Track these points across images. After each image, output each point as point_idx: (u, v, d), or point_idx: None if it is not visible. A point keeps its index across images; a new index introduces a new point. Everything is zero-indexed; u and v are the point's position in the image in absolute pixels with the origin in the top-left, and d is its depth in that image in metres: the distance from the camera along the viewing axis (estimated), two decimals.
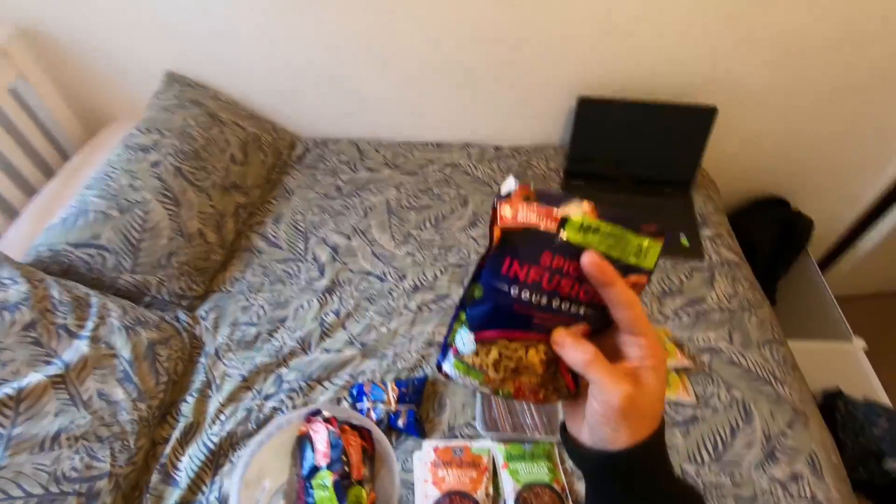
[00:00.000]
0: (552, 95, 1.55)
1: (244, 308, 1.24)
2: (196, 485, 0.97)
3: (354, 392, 1.08)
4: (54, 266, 1.14)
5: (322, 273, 1.32)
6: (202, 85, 1.55)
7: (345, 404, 1.09)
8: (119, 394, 0.99)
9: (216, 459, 1.00)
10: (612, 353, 0.35)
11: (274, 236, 1.40)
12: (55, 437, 0.90)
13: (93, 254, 1.14)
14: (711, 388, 1.10)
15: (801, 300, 1.79)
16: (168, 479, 0.98)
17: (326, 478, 0.45)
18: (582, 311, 0.35)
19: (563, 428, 0.39)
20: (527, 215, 0.34)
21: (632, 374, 0.34)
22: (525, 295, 0.34)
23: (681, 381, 1.10)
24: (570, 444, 0.38)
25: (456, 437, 1.04)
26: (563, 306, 0.35)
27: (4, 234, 1.29)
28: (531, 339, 0.36)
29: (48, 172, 1.48)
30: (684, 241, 1.39)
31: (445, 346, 0.38)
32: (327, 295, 1.27)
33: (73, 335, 1.02)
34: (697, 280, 1.31)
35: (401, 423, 1.02)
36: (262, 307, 1.24)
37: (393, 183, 1.53)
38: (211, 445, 1.01)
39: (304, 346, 1.17)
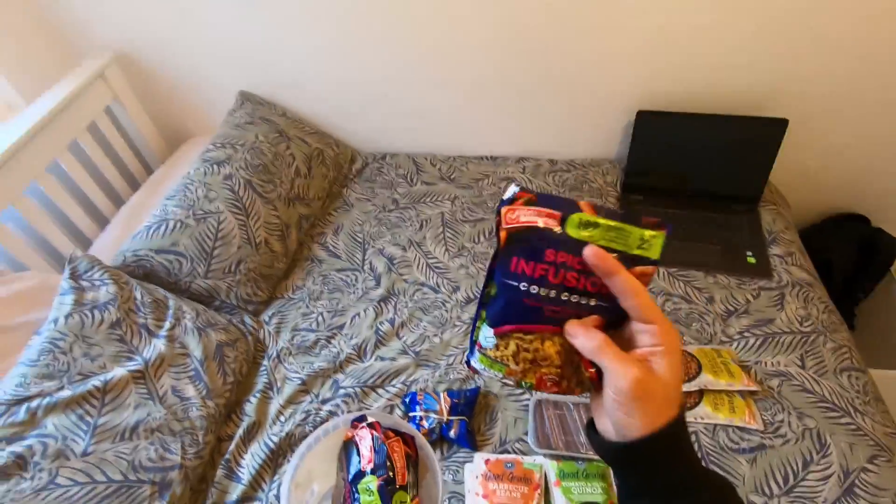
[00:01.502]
0: (610, 109, 1.53)
1: (304, 315, 1.30)
2: (257, 482, 1.01)
3: (407, 400, 1.10)
4: (138, 270, 1.24)
5: (378, 283, 1.35)
6: (271, 103, 1.65)
7: (398, 412, 1.11)
8: (190, 391, 1.06)
9: (276, 458, 1.05)
10: (628, 344, 0.36)
11: (334, 246, 1.46)
12: (134, 428, 0.97)
13: (171, 259, 1.23)
14: (781, 416, 1.04)
15: (886, 326, 1.65)
16: (231, 474, 1.03)
17: (372, 482, 0.46)
18: (592, 302, 0.37)
19: (591, 424, 0.40)
20: (529, 217, 0.37)
21: (643, 359, 0.34)
22: (534, 289, 0.37)
23: (747, 406, 1.04)
24: (596, 438, 0.39)
25: (507, 451, 1.03)
26: (571, 298, 0.37)
27: (96, 240, 1.42)
28: (545, 332, 0.38)
29: (134, 184, 1.61)
30: (751, 258, 1.33)
31: (472, 344, 0.41)
32: (383, 304, 1.30)
33: (152, 334, 1.10)
34: (765, 300, 1.24)
35: (452, 433, 1.03)
36: (322, 314, 1.29)
37: (448, 196, 1.56)
38: (271, 445, 1.06)
39: (360, 353, 1.21)
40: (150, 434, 0.98)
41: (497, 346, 0.39)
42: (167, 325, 1.12)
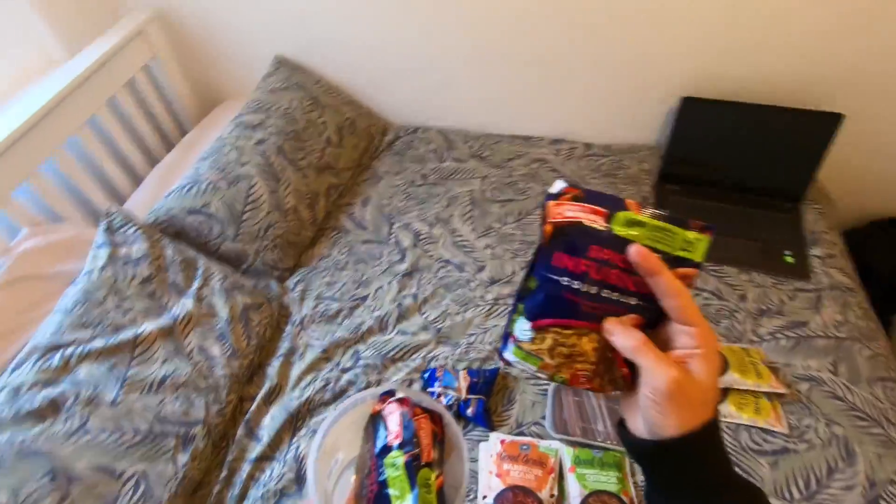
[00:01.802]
0: (653, 93, 1.48)
1: (329, 284, 1.31)
2: (276, 443, 1.04)
3: (426, 376, 1.10)
4: (169, 229, 1.25)
5: (403, 257, 1.35)
6: (307, 69, 1.64)
7: (416, 387, 1.12)
8: (216, 350, 1.08)
9: (295, 422, 1.07)
10: (666, 345, 0.36)
11: (361, 218, 1.45)
12: (161, 382, 1.00)
13: (202, 220, 1.25)
14: (808, 421, 1.01)
15: None
16: (251, 434, 1.06)
17: (398, 458, 0.46)
18: (633, 301, 0.37)
19: (621, 423, 0.40)
20: (575, 213, 0.37)
21: (681, 361, 0.34)
22: (575, 284, 0.37)
23: (773, 408, 1.02)
24: (627, 437, 0.38)
25: (523, 433, 1.03)
26: (612, 296, 0.37)
27: (129, 197, 1.44)
28: (583, 328, 0.38)
29: (168, 144, 1.63)
30: (788, 258, 1.28)
31: (506, 336, 0.41)
32: (407, 279, 1.30)
33: (181, 292, 1.12)
34: (801, 302, 1.20)
35: (470, 412, 1.03)
36: (346, 284, 1.30)
37: (478, 175, 1.54)
38: (291, 409, 1.08)
39: (382, 326, 1.21)
40: (176, 389, 1.01)
41: (533, 340, 0.39)
42: (196, 284, 1.14)
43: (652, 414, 0.34)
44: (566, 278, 0.37)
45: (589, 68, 1.47)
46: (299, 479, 1.00)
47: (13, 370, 0.94)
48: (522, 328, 0.40)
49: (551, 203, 0.38)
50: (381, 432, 0.48)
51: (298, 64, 1.63)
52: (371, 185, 1.54)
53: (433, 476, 0.47)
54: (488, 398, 1.06)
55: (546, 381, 1.10)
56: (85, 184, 1.35)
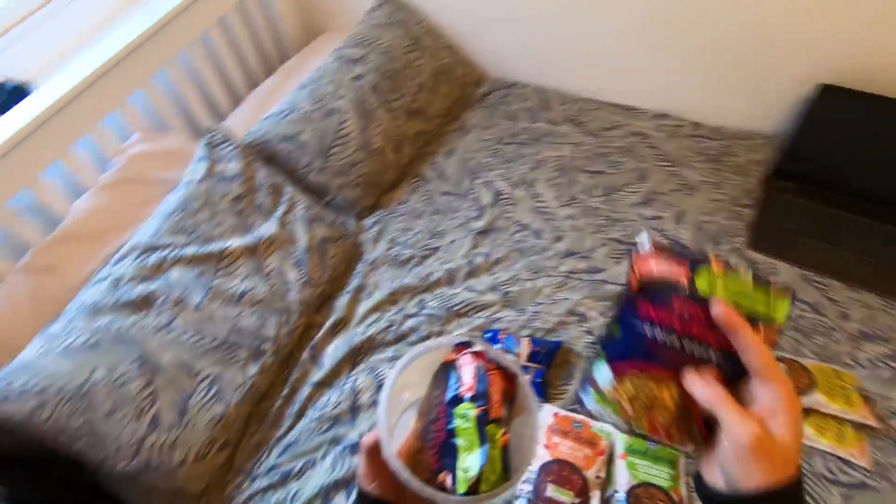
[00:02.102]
0: (784, 76, 1.32)
1: (404, 229, 1.31)
2: (336, 372, 1.08)
3: (487, 337, 1.10)
4: (262, 152, 1.29)
5: (481, 215, 1.33)
6: (411, 8, 1.59)
7: None
8: (292, 275, 1.13)
9: (355, 356, 1.11)
10: (746, 403, 0.36)
11: (444, 169, 1.43)
12: (241, 297, 1.06)
13: (293, 148, 1.28)
14: None
15: None
16: (315, 359, 1.11)
17: (470, 410, 0.46)
18: (713, 356, 0.37)
19: (698, 476, 0.40)
20: (660, 266, 0.38)
21: (762, 417, 0.34)
22: (658, 335, 0.38)
23: (858, 439, 0.93)
24: (703, 488, 0.38)
25: (577, 411, 1.01)
26: (694, 350, 0.38)
27: (228, 116, 1.50)
28: (663, 377, 0.39)
29: (269, 69, 1.66)
30: None
31: (585, 379, 0.42)
32: (481, 237, 1.28)
33: (267, 215, 1.17)
34: None
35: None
36: (420, 233, 1.30)
37: (571, 140, 1.46)
38: (354, 343, 1.11)
39: (450, 279, 1.21)
40: (253, 305, 1.06)
41: (614, 386, 0.40)
42: (281, 209, 1.18)
43: (733, 467, 0.35)
44: (649, 328, 0.38)
45: (715, 39, 1.33)
46: (353, 409, 1.04)
47: (116, 262, 1.02)
48: (603, 374, 0.41)
49: (637, 255, 0.40)
50: (454, 382, 0.48)
51: (403, 1, 1.59)
52: (458, 136, 1.51)
53: (499, 433, 0.46)
54: (548, 370, 1.05)
55: None
56: (191, 98, 1.41)
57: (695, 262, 0.38)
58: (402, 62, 1.43)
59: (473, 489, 0.42)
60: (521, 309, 1.15)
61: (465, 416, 0.45)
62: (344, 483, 0.95)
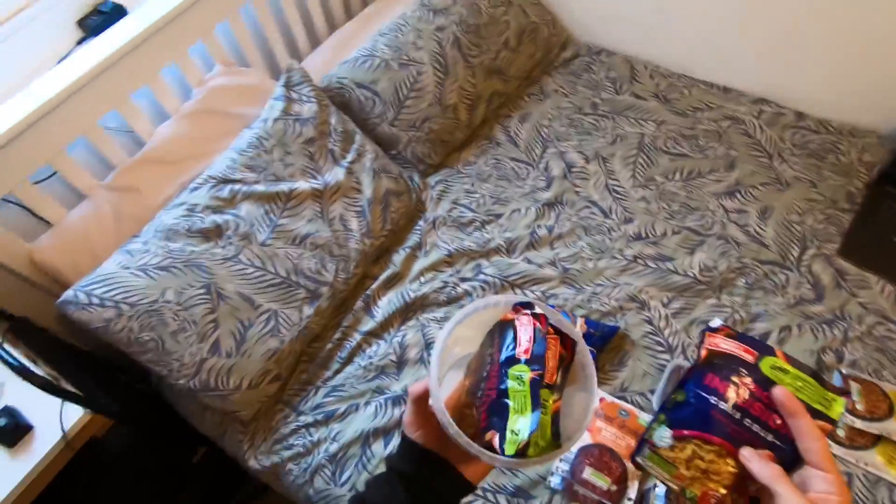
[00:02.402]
0: None
1: (468, 192, 1.29)
2: (387, 324, 1.10)
3: None
4: (337, 97, 1.29)
5: (549, 186, 1.28)
6: None
7: None
8: (354, 224, 1.14)
9: (407, 311, 1.12)
10: (799, 487, 0.37)
11: (516, 133, 1.38)
12: (303, 239, 1.08)
13: (368, 96, 1.26)
14: None
15: None
16: (367, 309, 1.12)
17: (525, 372, 0.44)
18: (770, 438, 0.39)
19: None
20: (729, 346, 0.43)
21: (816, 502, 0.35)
22: (721, 405, 0.41)
23: None
24: None
25: (625, 399, 0.99)
26: (753, 427, 0.40)
27: (306, 57, 1.49)
28: (723, 448, 0.40)
29: (349, 13, 1.63)
30: None
31: (642, 442, 0.44)
32: (547, 209, 1.24)
33: (336, 161, 1.17)
34: None
35: None
36: (484, 197, 1.27)
37: (656, 118, 1.37)
38: (407, 298, 1.12)
39: (510, 248, 1.19)
40: (315, 249, 1.08)
41: (672, 448, 0.42)
42: (350, 157, 1.18)
43: None
44: (715, 398, 0.41)
45: (835, 18, 1.18)
46: (399, 363, 1.06)
47: (192, 190, 1.06)
48: (662, 435, 0.42)
49: (709, 334, 0.44)
50: (510, 342, 0.46)
51: None
52: (535, 101, 1.44)
53: (552, 399, 0.44)
54: (600, 353, 1.02)
55: (665, 356, 1.02)
56: (272, 36, 1.41)
57: (761, 350, 0.42)
58: (487, 17, 1.36)
59: (521, 452, 0.41)
60: (580, 288, 1.12)
61: (520, 379, 0.44)
62: (384, 431, 0.98)
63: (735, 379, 0.41)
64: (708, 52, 1.40)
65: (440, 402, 0.43)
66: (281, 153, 1.12)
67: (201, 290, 0.97)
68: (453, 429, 0.42)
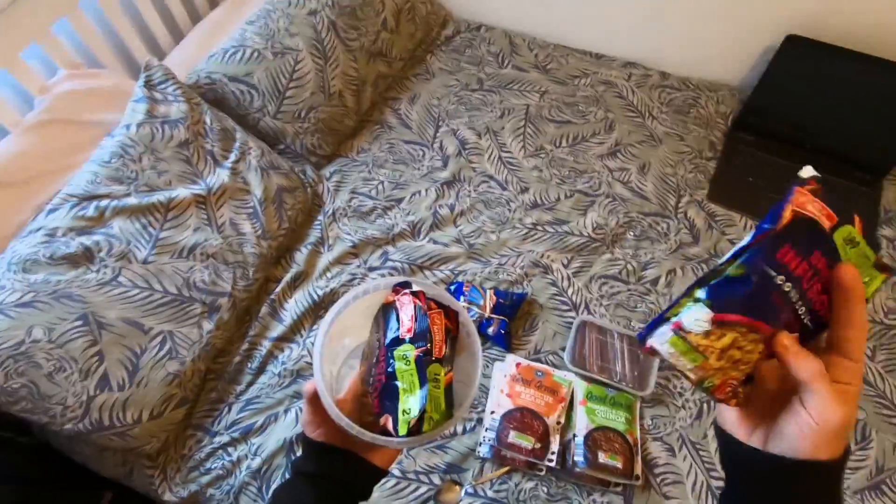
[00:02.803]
0: (751, 27, 1.31)
1: (365, 179, 1.26)
2: (297, 326, 1.06)
3: (452, 289, 1.09)
4: (209, 94, 1.19)
5: (445, 165, 1.29)
6: None
7: None
8: (247, 227, 1.07)
9: (317, 310, 1.08)
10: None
11: (407, 115, 1.37)
12: (192, 249, 1.00)
13: (244, 90, 1.18)
14: None
15: None
16: (274, 314, 1.07)
17: (409, 351, 0.45)
18: (807, 319, 0.34)
19: (721, 430, 0.40)
20: (815, 210, 0.34)
21: (845, 395, 0.33)
22: (787, 287, 0.33)
23: None
24: (733, 442, 0.38)
25: (540, 360, 1.03)
26: (800, 310, 0.34)
27: (169, 53, 1.37)
28: (767, 335, 0.34)
29: (214, 1, 1.51)
30: None
31: (661, 320, 0.35)
32: (446, 188, 1.25)
33: (217, 163, 1.09)
34: None
35: (490, 331, 1.03)
36: (382, 183, 1.25)
37: (538, 88, 1.42)
38: (315, 297, 1.08)
39: (414, 231, 1.18)
40: (206, 259, 1.01)
41: (708, 334, 0.33)
42: (233, 156, 1.10)
43: (802, 439, 0.33)
44: (783, 277, 0.33)
45: None
46: None
47: (49, 213, 0.94)
48: (697, 317, 0.33)
49: (799, 189, 0.34)
50: (393, 324, 0.46)
51: None
52: (422, 81, 1.44)
53: (443, 372, 0.45)
54: (511, 321, 1.05)
55: (571, 314, 1.08)
56: (126, 32, 1.27)
57: (842, 215, 0.34)
58: None
59: (415, 430, 0.42)
60: (486, 261, 1.14)
61: (406, 358, 0.44)
62: None
63: (811, 254, 0.33)
64: (580, 22, 1.47)
65: (326, 396, 0.42)
66: (152, 160, 1.02)
67: (77, 322, 0.87)
68: (343, 421, 0.41)
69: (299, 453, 0.47)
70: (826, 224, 0.34)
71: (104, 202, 0.96)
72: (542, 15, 1.49)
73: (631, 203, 1.23)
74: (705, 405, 0.98)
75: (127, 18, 1.27)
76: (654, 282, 1.12)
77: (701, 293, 0.34)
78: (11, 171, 1.00)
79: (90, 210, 0.94)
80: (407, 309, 0.46)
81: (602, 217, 1.20)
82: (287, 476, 0.90)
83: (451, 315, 0.48)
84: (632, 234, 1.19)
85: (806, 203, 0.34)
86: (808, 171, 0.35)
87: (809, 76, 1.24)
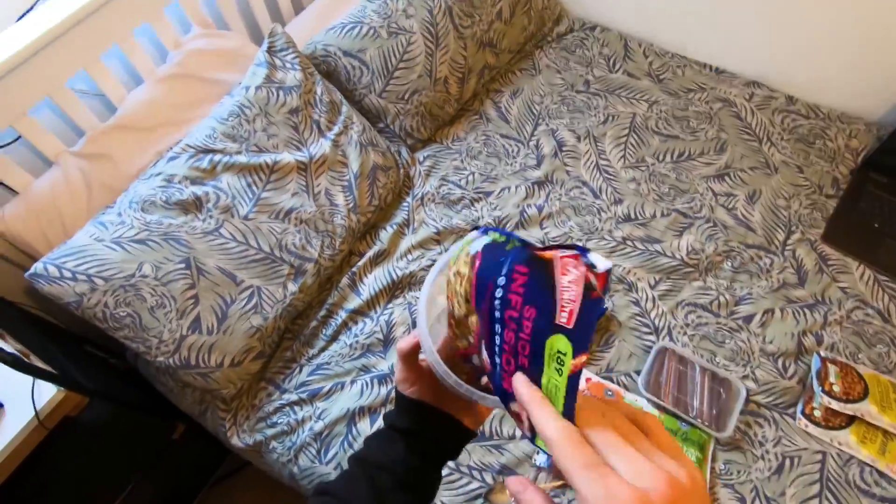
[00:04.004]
0: None
1: (457, 168, 1.26)
2: (373, 301, 1.08)
3: None
4: (322, 66, 1.23)
5: (539, 164, 1.26)
6: None
7: None
8: (340, 199, 1.10)
9: (394, 289, 1.10)
10: None
11: (507, 109, 1.35)
12: (288, 213, 1.04)
13: (355, 65, 1.21)
14: None
15: None
16: (353, 286, 1.10)
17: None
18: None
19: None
20: (574, 284, 0.29)
21: None
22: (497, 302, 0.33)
23: None
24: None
25: (611, 380, 0.99)
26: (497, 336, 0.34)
27: (290, 22, 1.42)
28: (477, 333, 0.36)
29: None
30: None
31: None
32: (536, 187, 1.22)
33: (322, 133, 1.12)
34: None
35: None
36: (473, 174, 1.25)
37: (648, 98, 1.35)
38: (394, 276, 1.10)
39: (498, 227, 1.17)
40: (299, 224, 1.05)
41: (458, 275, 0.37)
42: (336, 129, 1.14)
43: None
44: (501, 291, 0.33)
45: (831, 4, 1.17)
46: (386, 341, 1.04)
47: (169, 159, 1.01)
48: (470, 250, 0.37)
49: (587, 266, 0.29)
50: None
51: None
52: (527, 76, 1.41)
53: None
54: None
55: (651, 338, 1.03)
56: None
57: (579, 324, 0.29)
58: None
59: None
60: None
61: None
62: (370, 410, 0.97)
63: (530, 303, 0.32)
64: (702, 32, 1.38)
65: (434, 353, 0.40)
66: (264, 123, 1.07)
67: (180, 265, 0.93)
68: (452, 378, 0.40)
69: (393, 406, 0.47)
70: (562, 309, 0.29)
71: (217, 156, 1.01)
72: (662, 20, 1.42)
73: (733, 231, 1.15)
74: (787, 460, 0.91)
75: None
76: (748, 319, 1.04)
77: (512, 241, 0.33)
78: (141, 117, 1.08)
79: (205, 162, 1.00)
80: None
81: (699, 241, 1.13)
82: (346, 445, 0.93)
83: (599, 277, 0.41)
84: (729, 264, 1.11)
85: (574, 275, 0.28)
86: (603, 265, 0.28)
87: None
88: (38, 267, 0.87)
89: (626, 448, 0.26)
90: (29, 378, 0.81)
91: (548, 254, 0.31)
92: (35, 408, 0.81)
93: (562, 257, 0.30)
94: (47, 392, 0.83)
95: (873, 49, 1.20)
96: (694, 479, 0.26)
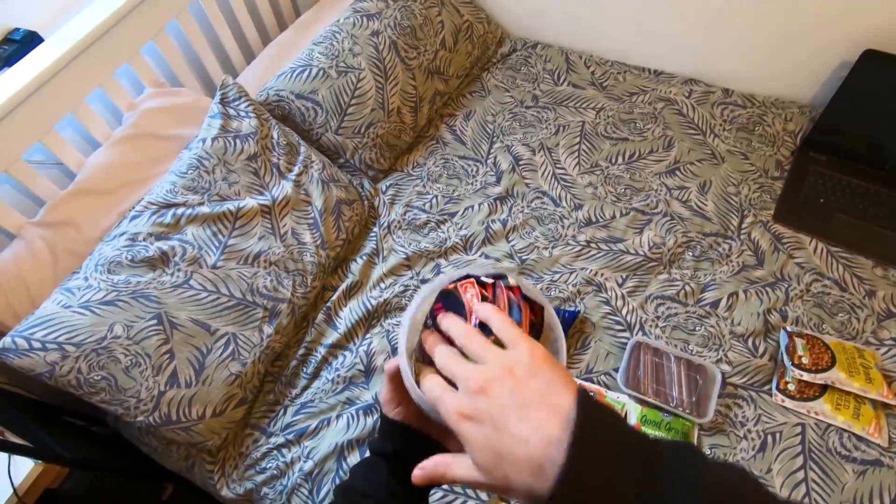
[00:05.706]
0: (825, 41, 1.25)
1: (420, 193, 1.29)
2: (351, 334, 1.08)
3: None
4: (277, 110, 1.26)
5: (499, 180, 1.30)
6: None
7: None
8: (307, 237, 1.12)
9: (370, 319, 1.11)
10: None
11: (462, 131, 1.40)
12: (256, 256, 1.05)
13: (309, 106, 1.24)
14: None
15: None
16: (330, 321, 1.11)
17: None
18: None
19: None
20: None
21: None
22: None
23: (875, 417, 0.93)
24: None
25: (591, 380, 1.01)
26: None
27: (242, 72, 1.46)
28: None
29: (282, 24, 1.60)
30: None
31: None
32: (499, 203, 1.26)
33: (282, 175, 1.14)
34: None
35: None
36: (436, 197, 1.28)
37: (594, 105, 1.41)
38: (369, 306, 1.11)
39: (466, 245, 1.20)
40: (269, 266, 1.06)
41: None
42: (297, 169, 1.16)
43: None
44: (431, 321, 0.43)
45: (754, 1, 1.25)
46: (367, 371, 1.05)
47: (132, 219, 1.02)
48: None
49: (501, 286, 0.43)
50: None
51: None
52: (478, 98, 1.46)
53: None
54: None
55: (626, 335, 1.05)
56: (204, 51, 1.37)
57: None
58: (421, 18, 1.37)
59: None
60: (538, 277, 1.14)
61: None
62: (358, 442, 0.97)
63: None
64: (638, 39, 1.45)
65: (411, 379, 0.42)
66: (224, 172, 1.09)
67: (152, 321, 0.93)
68: (427, 404, 0.42)
69: (377, 430, 0.48)
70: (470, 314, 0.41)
71: (180, 210, 1.03)
72: (599, 32, 1.49)
73: (690, 222, 1.19)
74: (769, 437, 0.93)
75: (205, 40, 1.37)
76: (715, 304, 1.08)
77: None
78: (101, 181, 1.09)
79: (168, 217, 1.01)
80: (501, 301, 0.47)
81: (659, 236, 1.17)
82: (338, 480, 0.92)
83: (537, 310, 0.47)
84: (691, 254, 1.15)
85: (472, 292, 0.42)
86: (512, 280, 0.44)
87: (887, 92, 1.17)
88: (5, 341, 0.86)
89: (458, 366, 0.35)
90: (4, 455, 0.80)
91: (450, 286, 0.44)
92: (13, 484, 0.79)
93: (461, 284, 0.44)
94: (24, 467, 0.82)
95: (794, 36, 1.28)
96: (530, 354, 0.33)
